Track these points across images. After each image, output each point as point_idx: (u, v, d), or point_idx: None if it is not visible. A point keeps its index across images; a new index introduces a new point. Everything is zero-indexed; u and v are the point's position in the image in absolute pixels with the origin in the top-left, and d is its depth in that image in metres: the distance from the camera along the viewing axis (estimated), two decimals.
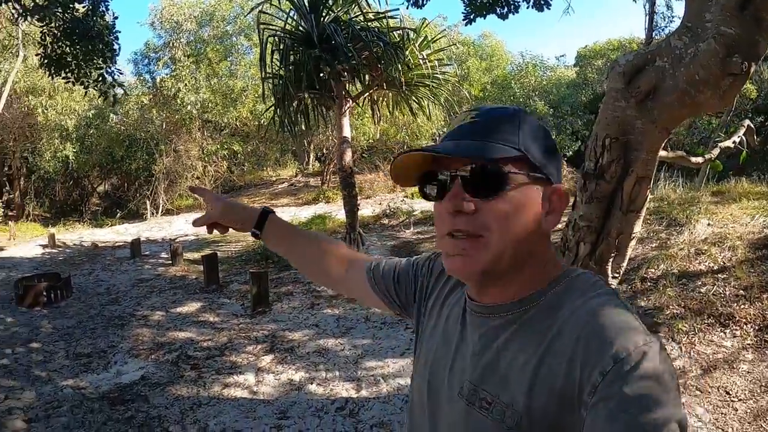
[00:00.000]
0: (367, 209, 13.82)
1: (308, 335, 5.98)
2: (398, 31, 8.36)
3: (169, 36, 21.23)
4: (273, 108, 8.97)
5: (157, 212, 20.77)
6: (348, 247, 1.33)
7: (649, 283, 5.52)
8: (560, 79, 23.15)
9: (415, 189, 0.89)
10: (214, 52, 20.86)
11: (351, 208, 9.08)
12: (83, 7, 7.58)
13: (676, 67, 2.61)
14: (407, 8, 6.72)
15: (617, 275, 3.16)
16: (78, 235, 15.94)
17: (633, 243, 3.21)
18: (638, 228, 3.16)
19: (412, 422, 0.98)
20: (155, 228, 16.36)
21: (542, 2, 6.10)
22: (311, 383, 4.71)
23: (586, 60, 24.91)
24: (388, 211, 12.96)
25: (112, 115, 21.21)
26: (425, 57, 8.44)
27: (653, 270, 5.69)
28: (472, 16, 5.81)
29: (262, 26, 7.86)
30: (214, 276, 8.56)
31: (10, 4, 7.49)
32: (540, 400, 0.73)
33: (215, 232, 1.34)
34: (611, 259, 3.14)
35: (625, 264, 3.26)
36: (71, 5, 7.34)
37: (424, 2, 6.20)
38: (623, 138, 2.92)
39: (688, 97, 2.60)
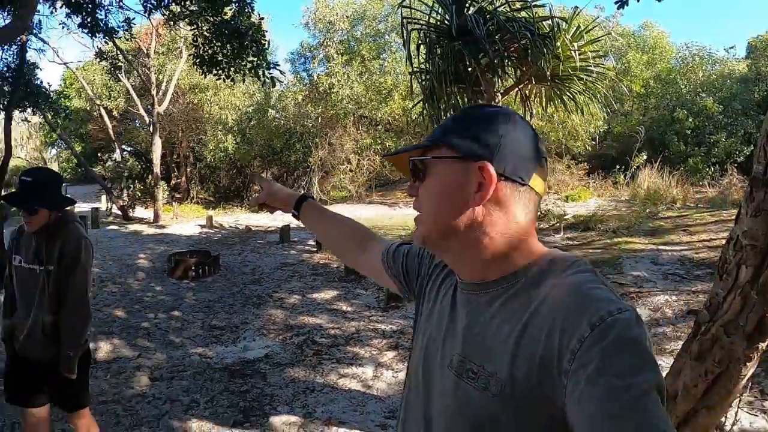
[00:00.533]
0: None
1: None
2: (548, 22, 7.85)
3: (322, 36, 22.06)
4: (422, 103, 8.84)
5: None
6: (370, 232, 1.44)
7: None
8: (730, 73, 20.52)
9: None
10: (367, 50, 21.37)
11: None
12: (230, 9, 8.02)
13: None
14: None
15: None
16: (235, 218, 17.11)
17: None
18: None
19: (407, 403, 1.03)
20: None
21: None
22: None
23: (758, 51, 21.76)
24: (538, 213, 12.16)
25: (270, 110, 22.54)
26: (577, 48, 7.84)
27: None
28: None
29: (405, 21, 7.77)
30: None
31: (160, 11, 8.16)
32: (522, 368, 0.77)
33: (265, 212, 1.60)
34: None
35: None
36: (220, 10, 7.81)
37: None
38: None
39: None
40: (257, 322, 6.32)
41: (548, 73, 7.77)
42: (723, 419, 3.03)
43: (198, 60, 8.20)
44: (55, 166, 38.33)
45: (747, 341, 2.46)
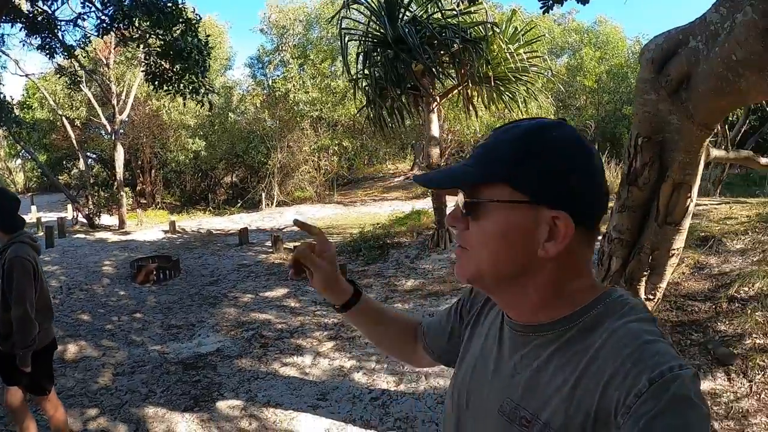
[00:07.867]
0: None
1: None
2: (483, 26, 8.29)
3: (278, 40, 22.59)
4: (366, 107, 9.34)
5: (272, 204, 22.19)
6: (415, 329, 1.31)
7: (737, 304, 4.59)
8: None
9: None
10: (315, 53, 21.88)
11: (438, 205, 9.32)
12: (177, 29, 8.44)
13: (711, 47, 2.11)
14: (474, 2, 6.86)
15: (652, 297, 2.89)
16: (197, 222, 17.47)
17: (674, 261, 2.85)
18: (680, 244, 2.76)
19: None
20: (267, 218, 17.47)
21: None
22: (358, 372, 5.04)
23: None
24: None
25: (231, 114, 22.93)
26: (513, 50, 8.36)
27: (746, 289, 4.76)
28: (550, 2, 5.50)
29: (343, 31, 8.32)
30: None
31: (111, 34, 8.62)
32: (576, 419, 0.75)
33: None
34: (644, 278, 2.83)
35: (663, 285, 2.92)
36: (168, 30, 8.24)
37: None
38: (657, 137, 2.54)
39: (726, 84, 2.09)
40: (212, 320, 6.85)
41: (491, 74, 8.29)
42: None
43: (150, 76, 8.66)
44: (20, 177, 38.10)
45: None
